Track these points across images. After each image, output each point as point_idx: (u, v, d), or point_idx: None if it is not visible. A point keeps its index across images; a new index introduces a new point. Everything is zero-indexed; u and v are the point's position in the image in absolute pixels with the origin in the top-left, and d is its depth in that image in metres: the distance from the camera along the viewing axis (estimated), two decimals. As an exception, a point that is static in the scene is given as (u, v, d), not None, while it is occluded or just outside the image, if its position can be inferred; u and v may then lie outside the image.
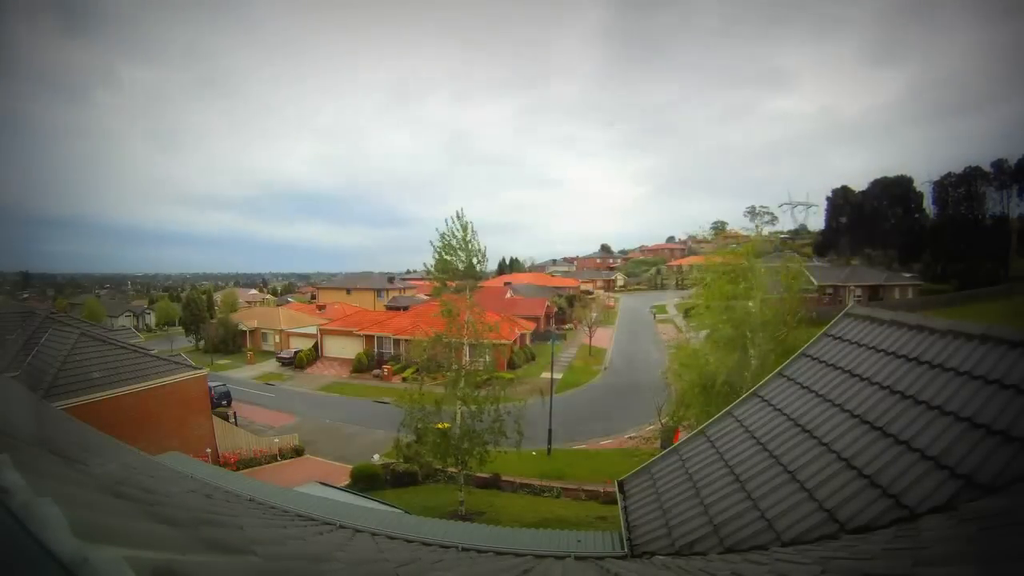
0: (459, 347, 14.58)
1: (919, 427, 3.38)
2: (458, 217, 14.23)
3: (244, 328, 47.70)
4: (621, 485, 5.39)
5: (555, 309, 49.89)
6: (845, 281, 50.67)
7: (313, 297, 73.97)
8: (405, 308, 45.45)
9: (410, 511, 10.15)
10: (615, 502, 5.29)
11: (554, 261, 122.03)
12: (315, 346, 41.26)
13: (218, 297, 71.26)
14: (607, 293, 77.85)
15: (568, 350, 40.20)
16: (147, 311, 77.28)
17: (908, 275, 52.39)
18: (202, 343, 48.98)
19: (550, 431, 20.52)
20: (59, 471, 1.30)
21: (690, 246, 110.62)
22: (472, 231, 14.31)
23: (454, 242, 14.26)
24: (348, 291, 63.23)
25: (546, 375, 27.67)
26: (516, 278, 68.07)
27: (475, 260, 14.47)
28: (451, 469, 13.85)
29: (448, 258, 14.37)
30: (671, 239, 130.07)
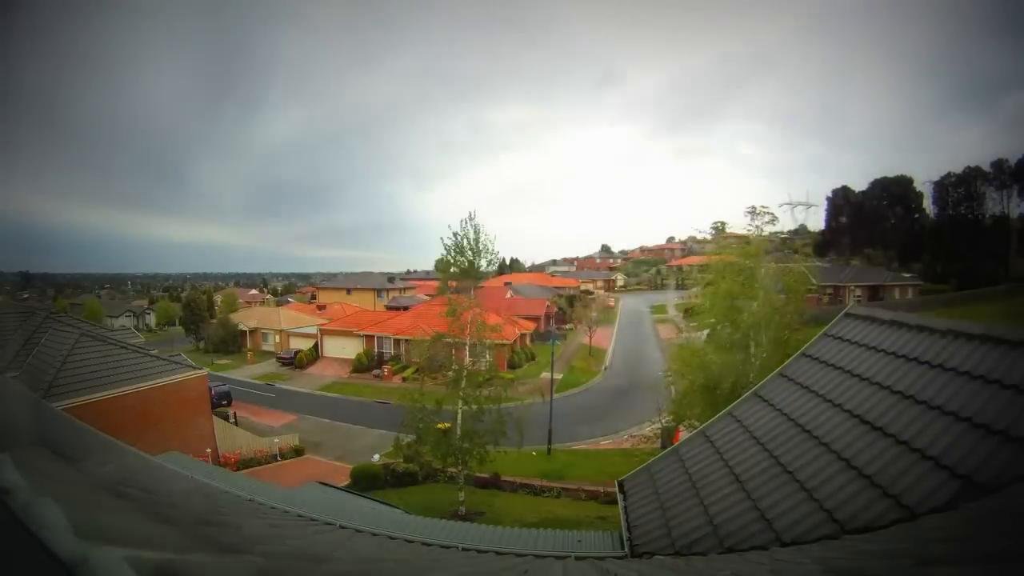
0: (460, 347, 14.65)
1: (919, 427, 3.37)
2: (471, 218, 14.43)
3: (244, 328, 47.66)
4: (621, 485, 5.39)
5: (555, 309, 49.85)
6: (845, 281, 50.66)
7: (313, 297, 73.90)
8: (405, 308, 45.45)
9: (410, 511, 10.15)
10: (615, 502, 5.29)
11: (554, 261, 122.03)
12: (315, 346, 41.23)
13: (218, 297, 71.25)
14: (607, 293, 77.82)
15: (568, 350, 40.19)
16: (147, 311, 77.42)
17: (908, 275, 52.36)
18: (202, 343, 48.98)
19: (550, 431, 20.52)
20: (59, 471, 1.30)
21: (690, 246, 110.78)
22: (485, 233, 14.55)
23: (465, 243, 14.47)
24: (348, 291, 63.17)
25: (546, 375, 27.65)
26: (516, 278, 68.02)
27: (486, 261, 14.73)
28: (451, 469, 13.86)
29: (457, 257, 14.58)
30: (671, 239, 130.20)
